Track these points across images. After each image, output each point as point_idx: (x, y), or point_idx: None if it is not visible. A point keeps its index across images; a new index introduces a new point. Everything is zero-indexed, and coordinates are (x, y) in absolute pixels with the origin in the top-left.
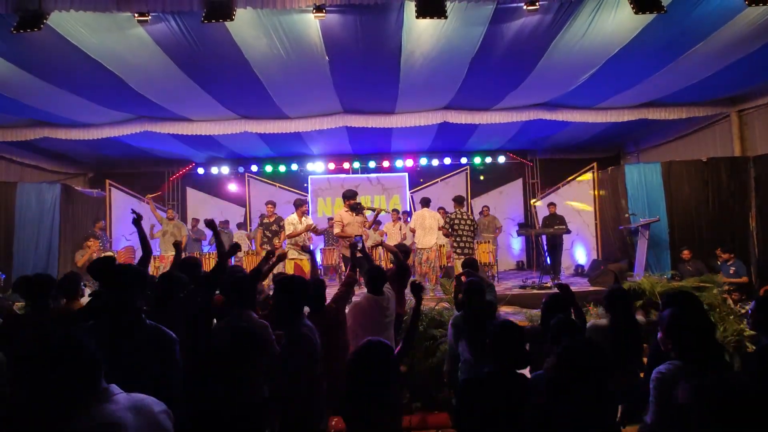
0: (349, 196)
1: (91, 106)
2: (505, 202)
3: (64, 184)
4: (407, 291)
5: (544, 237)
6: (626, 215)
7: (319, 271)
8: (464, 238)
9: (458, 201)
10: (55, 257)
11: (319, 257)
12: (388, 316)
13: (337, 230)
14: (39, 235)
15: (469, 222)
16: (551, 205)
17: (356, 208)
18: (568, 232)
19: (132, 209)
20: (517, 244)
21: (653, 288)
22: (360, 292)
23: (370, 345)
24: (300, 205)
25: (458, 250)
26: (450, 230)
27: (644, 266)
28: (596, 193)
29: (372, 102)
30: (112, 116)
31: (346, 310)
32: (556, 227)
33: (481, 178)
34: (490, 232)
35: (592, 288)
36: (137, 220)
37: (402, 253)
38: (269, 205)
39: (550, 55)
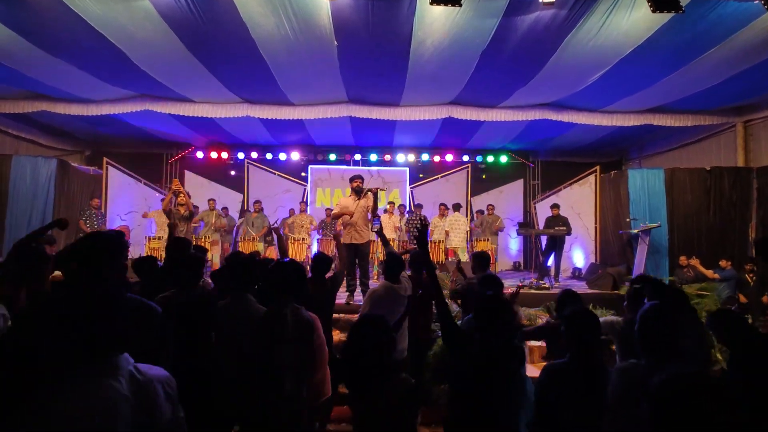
0: (352, 179)
1: (92, 81)
2: (504, 202)
3: (61, 160)
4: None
5: (543, 238)
6: (627, 220)
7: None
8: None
9: (417, 206)
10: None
11: (315, 247)
12: (403, 305)
13: (335, 211)
14: (33, 210)
15: (418, 222)
16: (555, 207)
17: (358, 191)
18: (569, 233)
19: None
20: (514, 244)
21: None
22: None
23: (368, 318)
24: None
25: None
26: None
27: (643, 271)
28: (597, 196)
29: (378, 92)
30: (113, 93)
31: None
32: (556, 228)
33: (483, 176)
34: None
35: (589, 291)
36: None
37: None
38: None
39: (562, 52)
